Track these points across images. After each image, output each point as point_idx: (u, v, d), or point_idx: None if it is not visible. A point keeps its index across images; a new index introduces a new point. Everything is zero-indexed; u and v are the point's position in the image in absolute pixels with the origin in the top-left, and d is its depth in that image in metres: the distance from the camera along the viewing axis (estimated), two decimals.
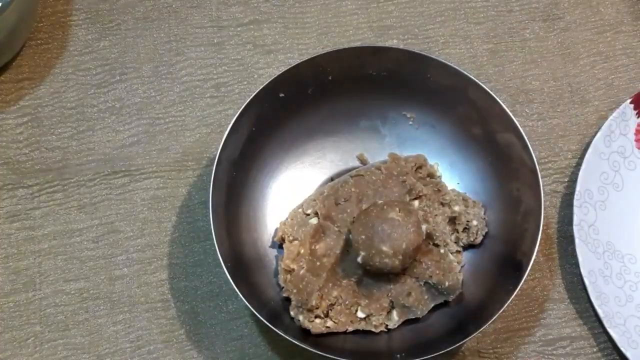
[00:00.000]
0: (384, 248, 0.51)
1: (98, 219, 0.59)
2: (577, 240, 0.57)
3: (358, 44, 0.65)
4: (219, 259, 0.51)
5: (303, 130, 0.59)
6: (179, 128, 0.62)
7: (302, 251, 0.55)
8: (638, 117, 0.61)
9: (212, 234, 0.52)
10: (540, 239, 0.52)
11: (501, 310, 0.51)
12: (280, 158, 0.59)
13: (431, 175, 0.58)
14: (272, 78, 0.56)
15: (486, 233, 0.56)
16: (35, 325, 0.56)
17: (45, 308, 0.56)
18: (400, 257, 0.51)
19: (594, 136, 0.60)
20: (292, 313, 0.54)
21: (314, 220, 0.56)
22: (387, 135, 0.60)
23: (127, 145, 0.62)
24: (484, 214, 0.57)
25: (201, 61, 0.65)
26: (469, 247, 0.57)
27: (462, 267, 0.56)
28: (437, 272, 0.53)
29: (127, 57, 0.65)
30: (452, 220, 0.56)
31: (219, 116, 0.63)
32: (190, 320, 0.56)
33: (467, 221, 0.56)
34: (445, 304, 0.55)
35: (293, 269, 0.55)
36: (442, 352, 0.50)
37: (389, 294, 0.54)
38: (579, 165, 0.60)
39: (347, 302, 0.54)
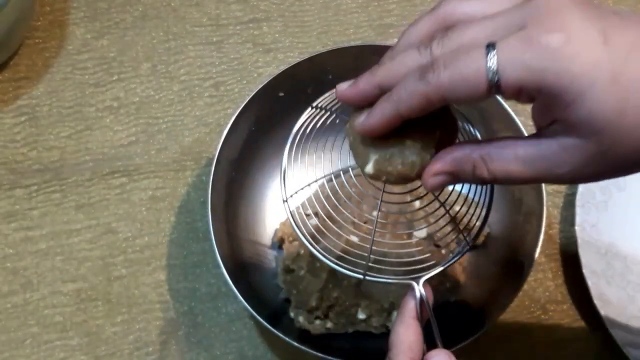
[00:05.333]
0: (408, 142, 0.37)
1: (96, 219, 0.59)
2: (579, 241, 0.56)
3: (358, 42, 0.65)
4: (218, 260, 0.51)
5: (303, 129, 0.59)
6: (177, 127, 0.62)
7: (302, 252, 0.54)
8: None
9: (211, 234, 0.52)
10: (542, 240, 0.52)
11: (503, 312, 0.50)
12: (279, 158, 0.58)
13: None
14: (272, 77, 0.56)
15: (488, 234, 0.56)
16: (32, 326, 0.56)
17: (42, 309, 0.56)
18: (433, 150, 0.37)
19: None
20: (291, 314, 0.54)
21: (314, 221, 0.56)
22: None
23: (125, 145, 0.61)
24: (486, 214, 0.56)
25: (200, 60, 0.64)
26: (470, 248, 0.56)
27: (463, 268, 0.56)
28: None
29: (125, 56, 0.64)
30: (454, 221, 0.56)
31: (218, 115, 0.62)
32: (189, 322, 0.56)
33: (469, 222, 0.56)
34: (446, 304, 0.54)
35: (293, 270, 0.54)
36: None
37: (389, 295, 0.53)
38: None
39: (347, 303, 0.54)
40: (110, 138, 0.61)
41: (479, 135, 0.42)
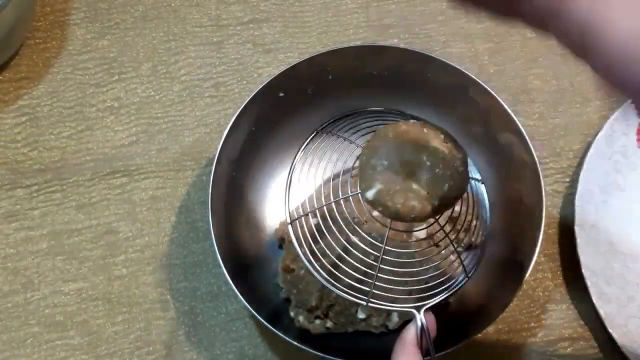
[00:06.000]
0: (415, 186, 0.38)
1: (97, 219, 0.59)
2: (578, 241, 0.56)
3: (358, 43, 0.65)
4: (218, 260, 0.51)
5: (303, 129, 0.59)
6: (178, 128, 0.62)
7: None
8: None
9: (211, 234, 0.52)
10: (542, 240, 0.52)
11: (503, 312, 0.51)
12: (280, 158, 0.59)
13: None
14: (272, 77, 0.56)
15: (487, 234, 0.56)
16: (33, 326, 0.56)
17: (43, 309, 0.56)
18: (437, 202, 0.38)
19: (595, 136, 0.60)
20: (291, 314, 0.54)
21: (314, 221, 0.56)
22: None
23: (125, 145, 0.61)
24: (489, 213, 0.56)
25: (200, 60, 0.65)
26: (469, 247, 0.56)
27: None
28: (437, 272, 0.53)
29: (126, 57, 0.64)
30: (453, 220, 0.56)
31: (219, 116, 0.63)
32: (189, 321, 0.56)
33: (468, 221, 0.56)
34: (446, 304, 0.55)
35: (293, 269, 0.54)
36: (443, 353, 0.50)
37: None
38: (580, 165, 0.60)
39: (347, 303, 0.54)
40: (111, 138, 0.62)
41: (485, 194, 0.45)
